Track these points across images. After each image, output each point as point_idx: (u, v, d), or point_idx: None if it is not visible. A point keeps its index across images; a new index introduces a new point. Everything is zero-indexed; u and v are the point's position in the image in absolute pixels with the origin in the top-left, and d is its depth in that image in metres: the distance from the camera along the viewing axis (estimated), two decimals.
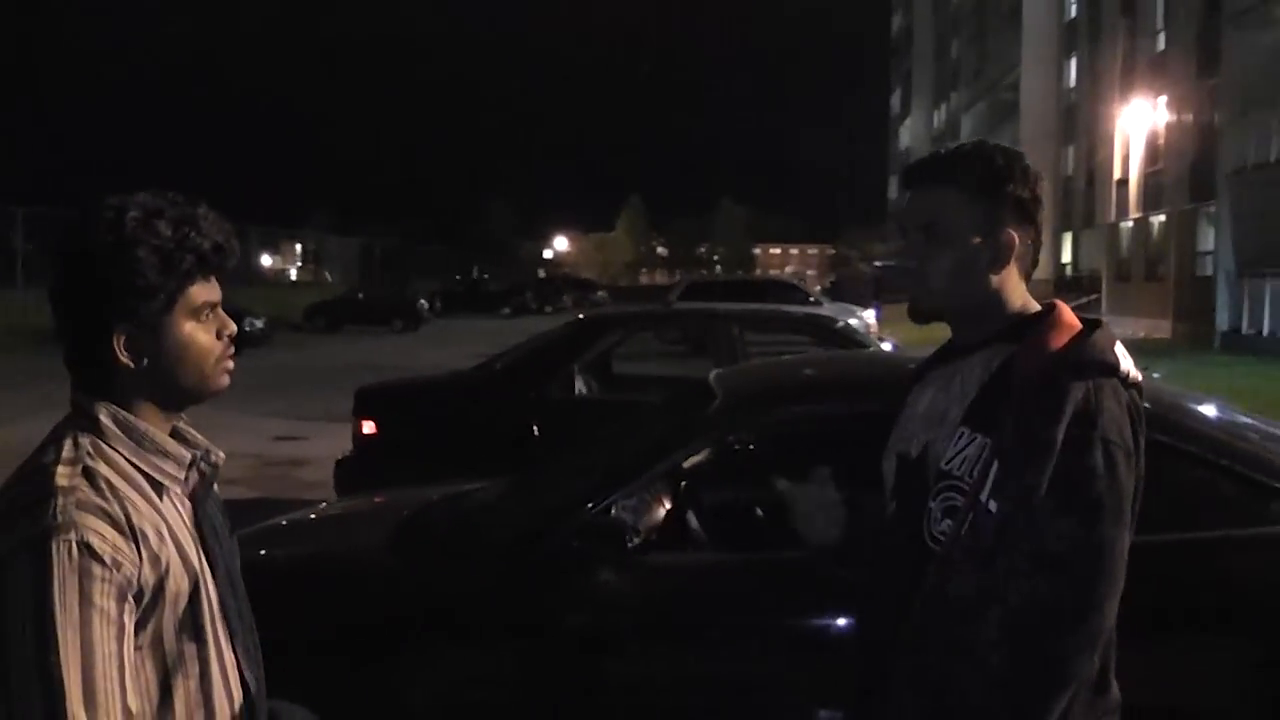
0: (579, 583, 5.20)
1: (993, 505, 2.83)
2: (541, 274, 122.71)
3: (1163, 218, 49.88)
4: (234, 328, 2.64)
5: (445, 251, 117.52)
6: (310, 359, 34.06)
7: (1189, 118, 46.82)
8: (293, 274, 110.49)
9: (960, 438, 2.97)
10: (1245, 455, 5.15)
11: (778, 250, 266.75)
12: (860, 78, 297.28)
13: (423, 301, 61.64)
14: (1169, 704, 4.75)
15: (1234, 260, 40.05)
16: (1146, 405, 2.98)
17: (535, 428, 10.97)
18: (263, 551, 5.81)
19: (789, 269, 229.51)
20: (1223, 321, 40.63)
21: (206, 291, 2.58)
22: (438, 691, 5.16)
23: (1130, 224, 54.43)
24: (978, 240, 3.00)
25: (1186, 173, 46.25)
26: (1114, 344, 2.90)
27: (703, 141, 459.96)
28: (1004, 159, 3.04)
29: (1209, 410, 5.68)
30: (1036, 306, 3.03)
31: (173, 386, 2.57)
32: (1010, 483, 2.80)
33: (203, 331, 2.58)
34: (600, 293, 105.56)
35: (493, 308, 76.46)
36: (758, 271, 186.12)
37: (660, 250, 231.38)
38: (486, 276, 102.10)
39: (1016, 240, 2.99)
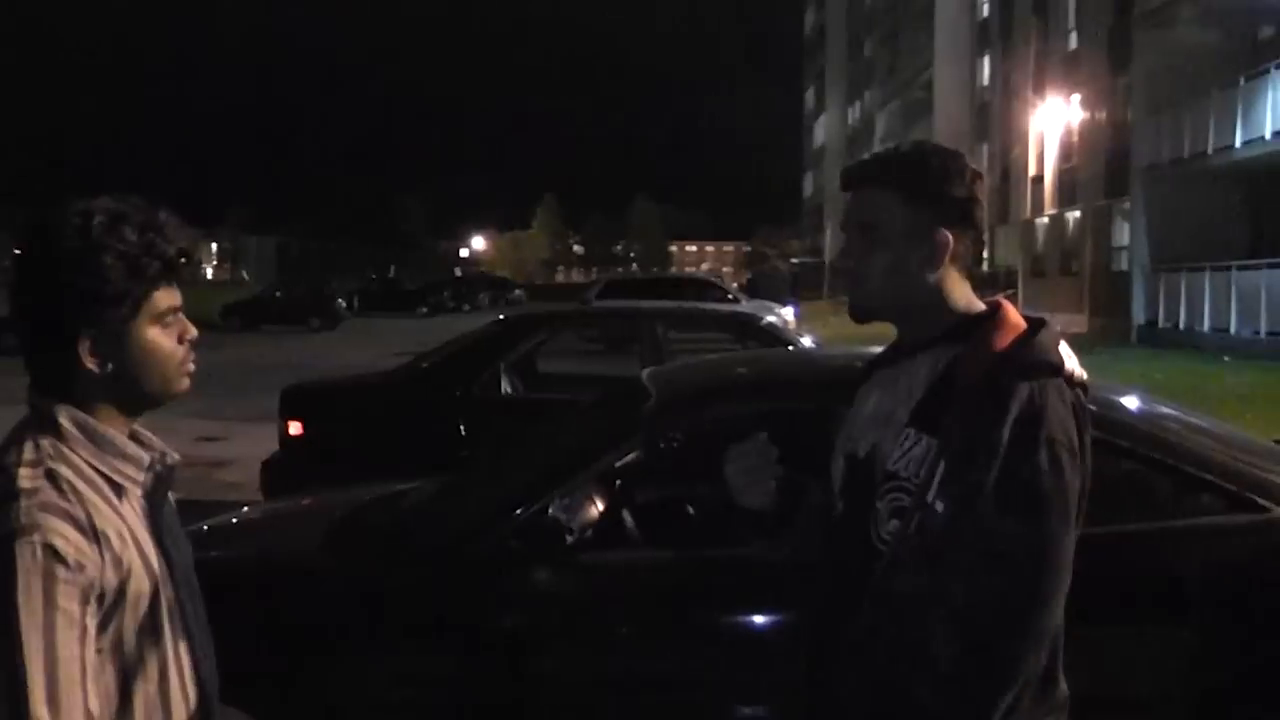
0: (516, 581, 5.20)
1: (939, 505, 2.84)
2: (458, 272, 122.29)
3: (1078, 213, 50.33)
4: (194, 332, 2.63)
5: (362, 250, 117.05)
6: (228, 359, 33.74)
7: (1102, 115, 47.30)
8: (209, 273, 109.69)
9: (906, 439, 2.98)
10: (1173, 447, 5.23)
11: (693, 247, 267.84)
12: (774, 75, 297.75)
13: (340, 300, 61.41)
14: (1107, 694, 4.82)
15: (1148, 255, 40.56)
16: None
17: (462, 426, 10.96)
18: (197, 554, 5.76)
19: (704, 266, 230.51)
20: (1139, 315, 41.11)
21: (169, 297, 2.57)
22: (374, 692, 5.13)
23: (1045, 220, 54.89)
24: (914, 240, 3.00)
25: (1100, 169, 46.73)
26: (1058, 343, 2.91)
27: (617, 139, 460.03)
28: (939, 160, 3.05)
29: (1132, 402, 5.77)
30: (981, 306, 3.03)
31: (136, 391, 2.57)
32: (956, 483, 2.81)
33: (166, 337, 2.58)
34: (517, 291, 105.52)
35: (410, 306, 76.15)
36: (674, 269, 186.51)
37: (576, 248, 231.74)
38: (401, 276, 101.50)
39: (952, 240, 2.99)
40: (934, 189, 3.01)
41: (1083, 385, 2.94)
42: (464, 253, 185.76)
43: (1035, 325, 2.95)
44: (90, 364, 2.48)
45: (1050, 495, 2.76)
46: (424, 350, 13.83)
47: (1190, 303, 37.12)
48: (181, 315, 2.62)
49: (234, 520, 6.98)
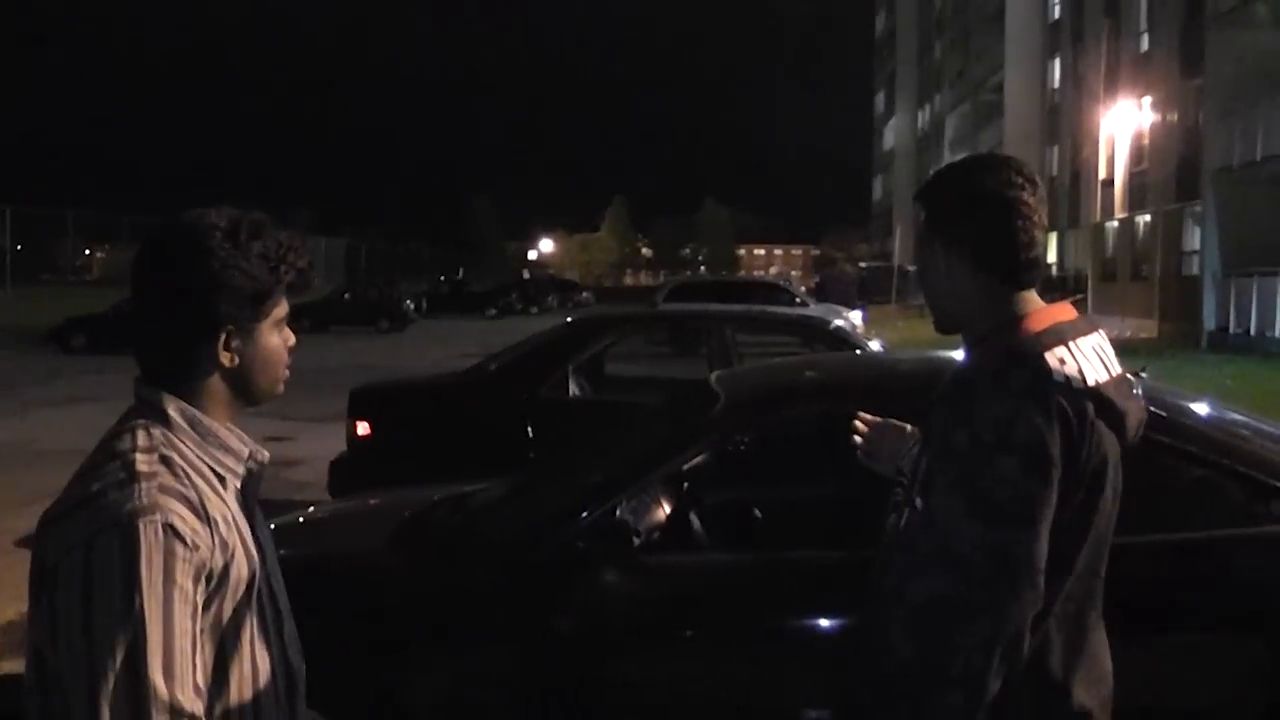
0: (583, 583, 5.21)
1: (918, 503, 2.96)
2: (526, 275, 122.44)
3: (1148, 217, 49.93)
4: (295, 340, 2.85)
5: (430, 252, 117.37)
6: (297, 359, 33.20)
7: (1173, 117, 46.90)
8: None
9: (912, 437, 3.23)
10: (1243, 454, 5.19)
11: (762, 251, 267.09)
12: (845, 78, 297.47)
13: (408, 302, 61.50)
14: (1171, 704, 4.80)
15: (1220, 259, 40.07)
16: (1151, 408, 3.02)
17: (530, 428, 11.00)
18: None
19: (773, 270, 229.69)
20: (1209, 321, 40.64)
21: (285, 306, 2.79)
22: (442, 692, 5.17)
23: (1115, 224, 54.48)
24: (941, 256, 3.09)
25: (1171, 172, 46.32)
26: (1052, 349, 2.91)
27: (686, 141, 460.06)
28: (960, 175, 3.15)
29: (1201, 409, 5.72)
30: (1021, 311, 3.04)
31: (250, 387, 2.75)
32: (930, 482, 2.91)
33: (280, 340, 2.80)
34: (585, 294, 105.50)
35: (478, 308, 76.27)
36: (741, 272, 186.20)
37: (645, 251, 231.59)
38: (470, 278, 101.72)
39: (975, 253, 3.04)
40: (948, 208, 3.10)
41: (1093, 394, 2.91)
42: (532, 255, 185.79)
43: (1040, 332, 2.97)
44: (224, 358, 2.66)
45: (1010, 502, 2.78)
46: (492, 352, 13.89)
47: (1262, 308, 36.66)
48: (287, 324, 2.83)
49: (301, 519, 7.01)
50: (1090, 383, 2.90)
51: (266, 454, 2.82)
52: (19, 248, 56.39)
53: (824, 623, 5.13)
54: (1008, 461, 2.77)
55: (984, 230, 3.03)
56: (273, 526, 6.26)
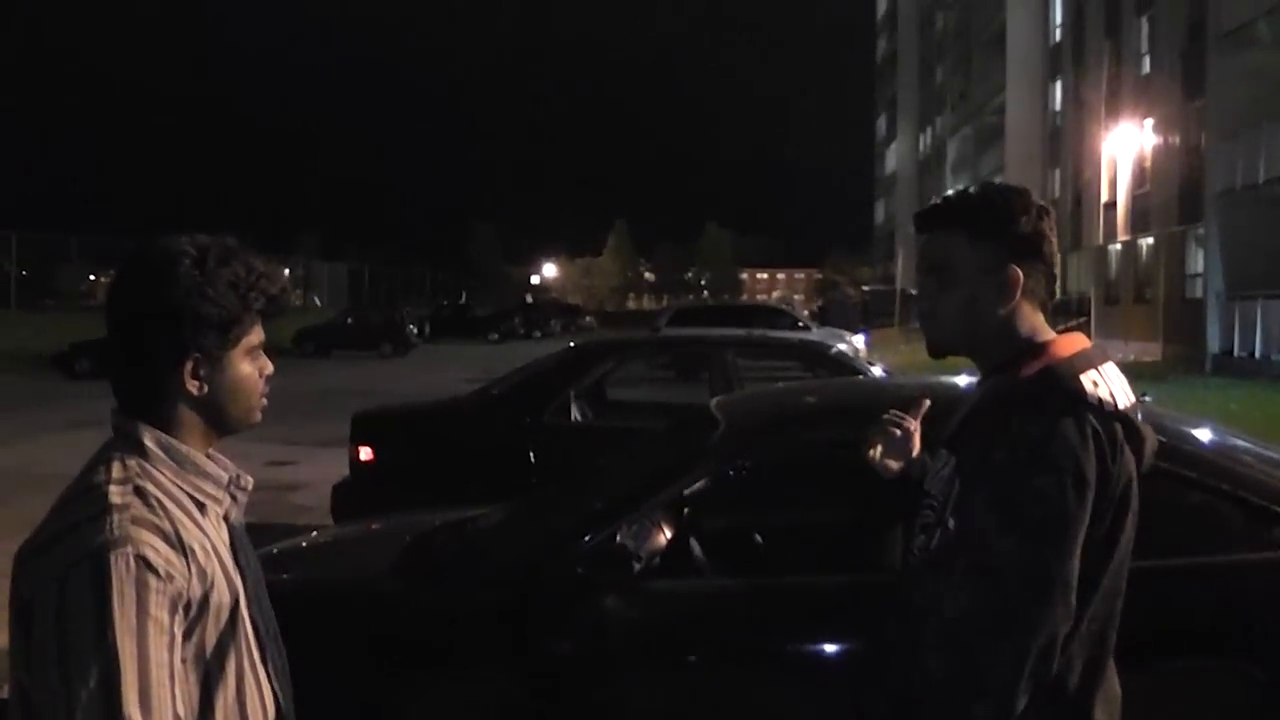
0: (583, 608, 5.20)
1: (951, 522, 2.99)
2: (529, 299, 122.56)
3: (1151, 240, 49.97)
4: (271, 368, 2.81)
5: (433, 276, 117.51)
6: (300, 384, 33.91)
7: (1175, 140, 46.94)
8: None
9: (940, 460, 3.18)
10: (1244, 479, 5.19)
11: (764, 275, 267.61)
12: (846, 102, 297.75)
13: (411, 326, 61.59)
14: None
15: (1223, 282, 40.10)
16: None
17: (532, 453, 11.03)
18: (267, 576, 5.79)
19: (775, 293, 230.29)
20: (1213, 344, 40.63)
21: (260, 333, 2.76)
22: (443, 717, 5.18)
23: (1118, 246, 54.51)
24: (984, 278, 3.10)
25: (1174, 195, 46.37)
26: (1085, 373, 2.97)
27: (688, 165, 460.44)
28: (1004, 198, 3.17)
29: (1203, 434, 5.72)
30: (1047, 336, 3.11)
31: (221, 416, 2.72)
32: (965, 501, 2.95)
33: (253, 369, 2.75)
34: (588, 318, 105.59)
35: (481, 333, 76.48)
36: (744, 296, 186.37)
37: (647, 275, 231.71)
38: (472, 302, 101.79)
39: (1021, 276, 3.08)
40: (999, 227, 3.11)
41: (1122, 416, 2.97)
42: (535, 279, 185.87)
43: (1076, 356, 3.03)
44: (190, 386, 2.64)
45: (1046, 521, 2.81)
46: (494, 377, 13.93)
47: (1266, 331, 36.66)
48: (262, 352, 2.80)
49: (304, 544, 7.02)
50: (1120, 406, 2.96)
51: (250, 480, 2.81)
52: (23, 272, 56.46)
53: (824, 648, 5.13)
54: (1044, 480, 2.81)
55: (1017, 258, 3.09)
56: (275, 550, 6.31)
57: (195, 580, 2.53)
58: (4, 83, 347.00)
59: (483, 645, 5.24)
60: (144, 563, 2.43)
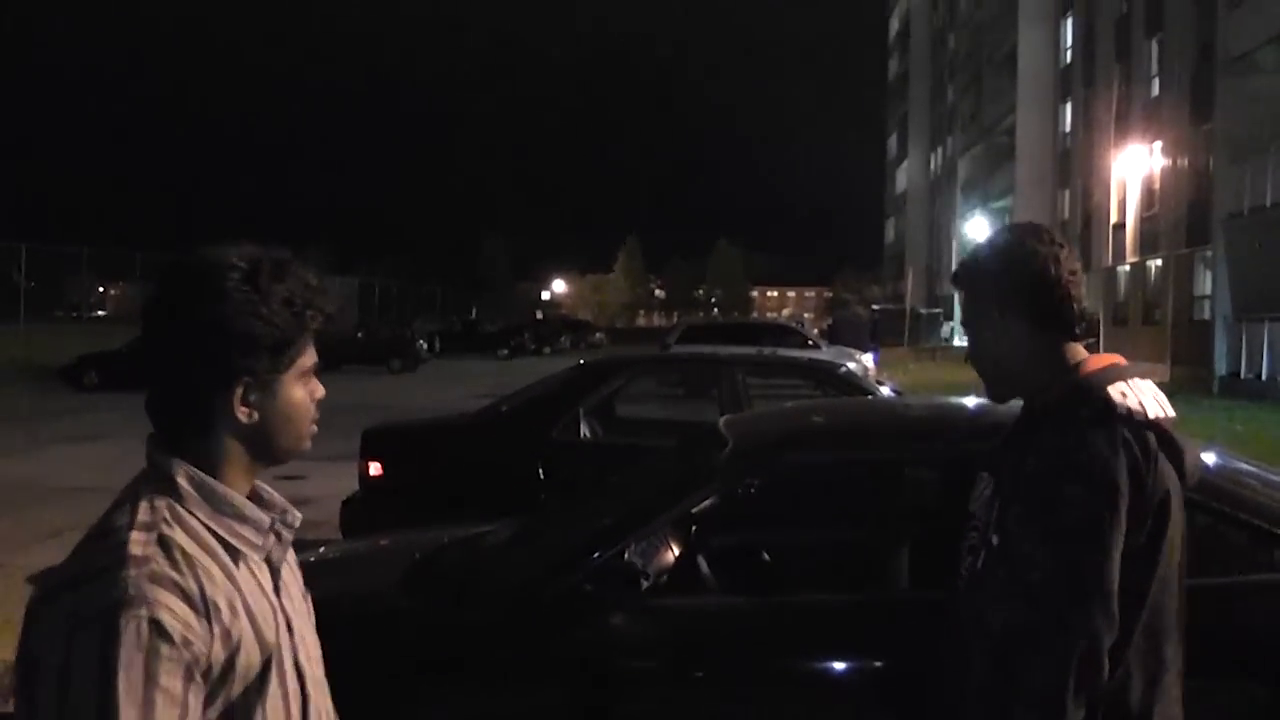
0: (591, 626, 5.22)
1: (994, 540, 3.07)
2: (539, 315, 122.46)
3: (1159, 262, 49.95)
4: (323, 392, 2.60)
5: (443, 292, 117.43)
6: None
7: (1184, 162, 46.96)
8: None
9: (982, 482, 3.25)
10: (1248, 503, 5.22)
11: (774, 292, 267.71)
12: (857, 121, 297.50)
13: (421, 342, 61.49)
14: None
15: (1231, 304, 40.09)
16: None
17: (541, 470, 11.04)
18: None
19: (786, 311, 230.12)
20: (1221, 366, 40.66)
21: (312, 355, 2.55)
22: None
23: (1127, 268, 54.52)
24: (1000, 330, 3.22)
25: (1182, 217, 46.36)
26: (1114, 385, 3.05)
27: (699, 183, 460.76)
28: (1008, 252, 3.26)
29: (1208, 458, 5.74)
30: (1079, 358, 3.19)
31: (272, 443, 2.51)
32: (1003, 518, 3.03)
33: (305, 393, 2.55)
34: (598, 334, 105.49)
35: (490, 348, 76.30)
36: (754, 313, 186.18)
37: (658, 292, 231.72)
38: (482, 318, 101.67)
39: (1042, 316, 3.18)
40: (1008, 280, 3.22)
41: (1154, 426, 3.04)
42: (545, 295, 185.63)
43: (1101, 370, 3.13)
44: (240, 413, 2.44)
45: (1079, 527, 2.88)
46: (504, 393, 13.93)
47: (1273, 353, 36.70)
48: (314, 375, 2.58)
49: (312, 559, 7.03)
50: (1151, 415, 3.03)
51: (298, 516, 2.61)
52: (33, 284, 56.46)
53: (832, 666, 5.15)
54: (1076, 488, 2.88)
55: (1041, 293, 3.16)
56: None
57: (218, 643, 2.31)
58: (12, 95, 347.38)
59: (490, 662, 5.25)
60: (157, 628, 2.22)
